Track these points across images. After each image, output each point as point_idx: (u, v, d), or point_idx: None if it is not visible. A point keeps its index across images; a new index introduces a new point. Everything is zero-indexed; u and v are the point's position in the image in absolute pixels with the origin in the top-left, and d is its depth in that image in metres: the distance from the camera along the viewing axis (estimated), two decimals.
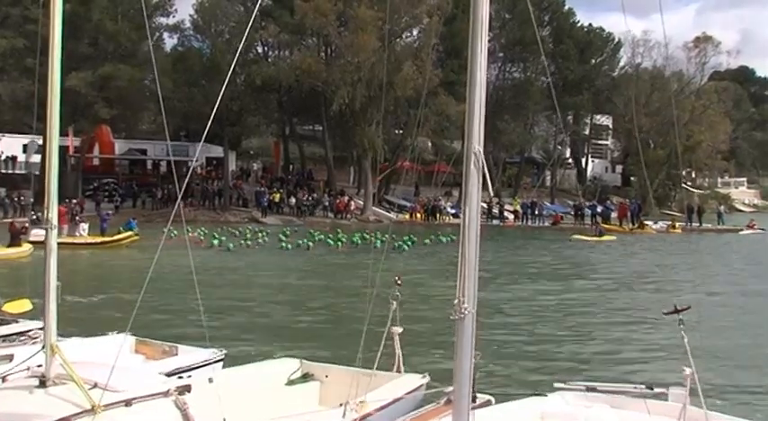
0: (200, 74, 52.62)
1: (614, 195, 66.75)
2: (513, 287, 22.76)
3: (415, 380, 8.11)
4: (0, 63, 46.66)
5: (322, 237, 35.04)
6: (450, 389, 6.81)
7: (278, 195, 52.64)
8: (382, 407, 7.16)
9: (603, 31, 71.78)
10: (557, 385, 7.54)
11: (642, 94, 64.86)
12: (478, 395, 6.62)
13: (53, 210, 6.63)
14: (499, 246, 34.48)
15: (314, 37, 56.50)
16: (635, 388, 7.48)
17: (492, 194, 45.62)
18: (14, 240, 27.86)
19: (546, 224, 53.33)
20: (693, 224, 52.03)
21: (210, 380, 7.34)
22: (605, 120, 78.65)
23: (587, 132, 76.66)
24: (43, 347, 6.42)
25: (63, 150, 41.94)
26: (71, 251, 26.19)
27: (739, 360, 13.42)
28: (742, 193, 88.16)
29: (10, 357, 8.37)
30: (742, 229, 50.02)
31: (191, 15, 57.07)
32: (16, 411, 5.90)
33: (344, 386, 7.23)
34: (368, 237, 34.22)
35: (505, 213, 54.98)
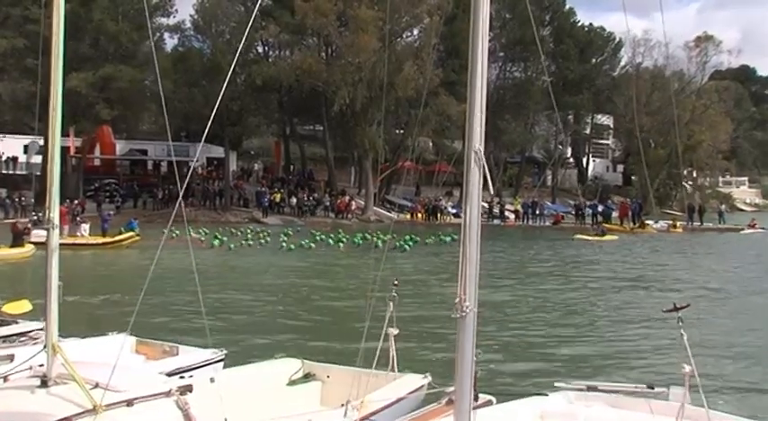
0: (200, 74, 52.61)
1: (615, 195, 66.77)
2: (515, 286, 22.77)
3: (417, 381, 8.11)
4: (1, 63, 46.67)
5: (323, 237, 35.05)
6: (451, 389, 6.82)
7: (279, 195, 52.67)
8: (384, 408, 7.17)
9: (604, 30, 71.91)
10: (557, 384, 7.54)
11: (643, 94, 64.80)
12: (480, 395, 6.62)
13: (54, 211, 6.64)
14: (500, 246, 34.47)
15: (314, 37, 56.49)
16: (636, 387, 7.48)
17: (493, 194, 45.63)
18: (17, 241, 27.89)
19: (547, 224, 53.35)
20: (694, 223, 52.06)
21: (212, 380, 7.35)
22: (606, 120, 78.63)
23: (588, 132, 76.64)
24: (45, 347, 6.43)
25: (64, 151, 41.83)
26: (72, 251, 26.22)
27: (740, 359, 13.42)
28: (743, 193, 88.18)
29: (11, 357, 8.38)
30: (743, 229, 50.04)
31: (191, 16, 57.14)
32: (18, 411, 5.90)
33: (346, 386, 7.23)
34: (369, 237, 34.23)
35: (506, 213, 55.00)
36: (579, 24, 70.31)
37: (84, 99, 45.28)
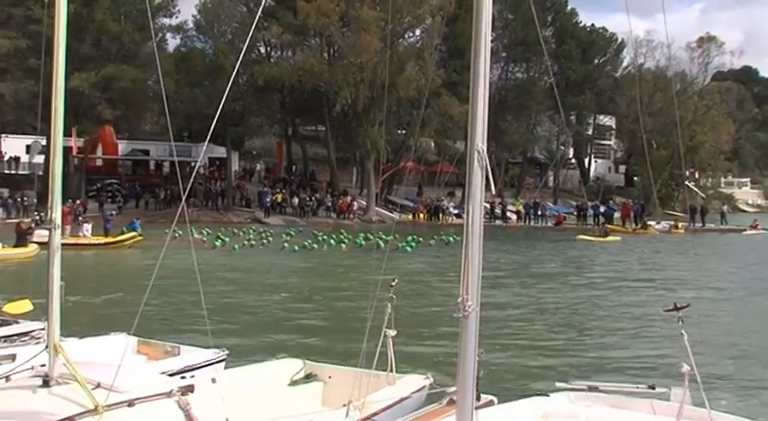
0: (202, 74, 52.69)
1: (617, 195, 66.70)
2: (517, 286, 22.78)
3: (419, 381, 8.11)
4: (3, 63, 46.67)
5: (325, 237, 35.05)
6: (453, 389, 6.82)
7: (280, 196, 52.70)
8: (385, 408, 7.17)
9: (606, 31, 71.84)
10: (559, 385, 7.54)
11: (645, 95, 64.73)
12: (482, 395, 6.62)
13: (56, 211, 6.64)
14: (502, 246, 34.45)
15: (317, 37, 56.50)
16: (637, 387, 7.48)
17: (495, 194, 45.61)
18: (21, 241, 27.97)
19: (548, 224, 53.30)
20: (696, 224, 52.02)
21: (213, 381, 7.35)
22: (608, 121, 78.59)
23: (590, 132, 76.62)
24: (46, 347, 6.43)
25: (66, 151, 41.82)
26: (75, 251, 26.26)
27: (742, 359, 13.42)
28: (745, 194, 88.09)
29: (13, 357, 8.39)
30: (745, 229, 49.99)
31: (193, 16, 57.22)
32: (19, 410, 5.91)
33: (347, 386, 7.23)
34: (371, 237, 34.21)
35: (508, 214, 54.96)
36: (581, 25, 70.32)
37: (87, 99, 45.30)
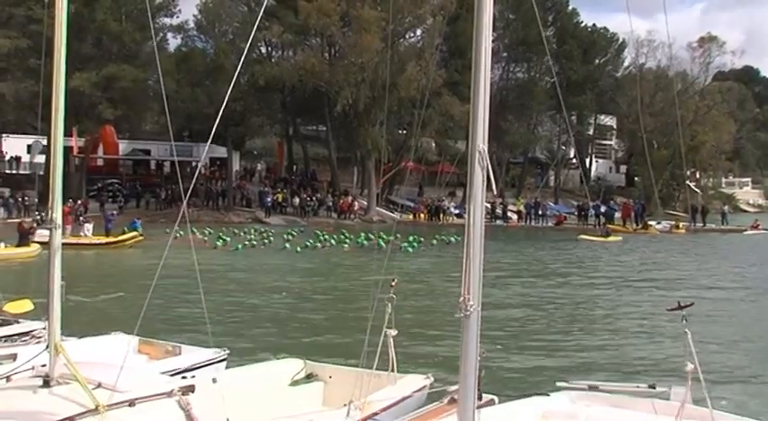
0: (203, 74, 52.70)
1: (618, 195, 66.69)
2: (518, 286, 22.78)
3: (419, 381, 8.11)
4: (4, 63, 46.70)
5: (326, 237, 35.03)
6: (453, 388, 6.82)
7: (281, 195, 52.70)
8: (386, 408, 7.17)
9: (607, 31, 71.81)
10: (559, 384, 7.54)
11: (646, 95, 64.75)
12: (483, 394, 6.62)
13: (57, 211, 6.64)
14: (504, 246, 34.45)
15: (317, 37, 56.52)
16: (637, 387, 7.48)
17: (496, 194, 45.57)
18: (23, 240, 27.98)
19: (549, 224, 53.27)
20: (697, 224, 51.99)
21: (214, 381, 7.35)
22: (609, 121, 78.58)
23: (591, 132, 76.59)
24: (47, 347, 6.43)
25: (67, 151, 41.91)
26: (76, 251, 26.28)
27: (744, 358, 13.42)
28: (746, 194, 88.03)
29: (13, 357, 8.39)
30: (746, 230, 49.96)
31: (194, 16, 57.26)
32: (20, 410, 5.91)
33: (348, 386, 7.23)
34: (373, 237, 34.17)
35: (509, 213, 54.96)
36: (582, 25, 70.27)
37: (88, 99, 45.32)
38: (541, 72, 64.25)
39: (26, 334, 9.91)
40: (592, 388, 7.37)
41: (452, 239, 33.18)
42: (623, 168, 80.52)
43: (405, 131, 59.40)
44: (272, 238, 35.21)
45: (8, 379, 6.86)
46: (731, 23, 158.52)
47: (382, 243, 31.69)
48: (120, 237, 32.64)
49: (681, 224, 50.67)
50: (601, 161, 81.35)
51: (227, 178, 54.57)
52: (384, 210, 53.28)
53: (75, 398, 5.92)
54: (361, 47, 49.06)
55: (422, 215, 53.09)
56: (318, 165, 65.43)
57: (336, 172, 59.48)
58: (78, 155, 50.40)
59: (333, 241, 34.17)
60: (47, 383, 6.17)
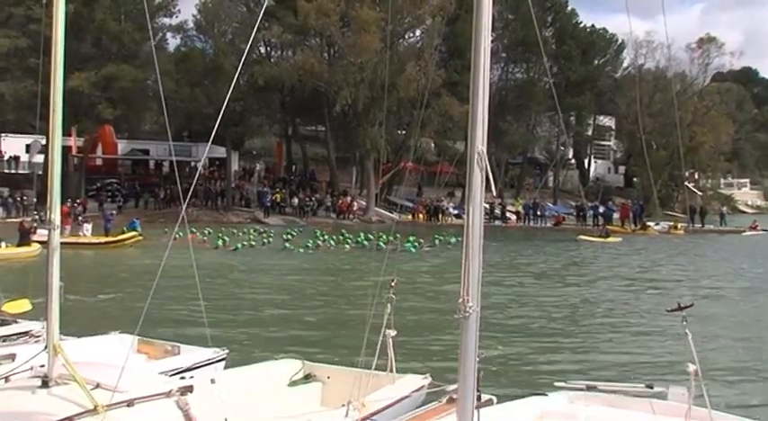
0: (202, 74, 52.69)
1: (617, 196, 66.73)
2: (518, 286, 22.80)
3: (417, 381, 8.11)
4: (3, 63, 46.70)
5: (327, 237, 35.02)
6: (452, 387, 6.83)
7: (279, 195, 52.69)
8: (384, 408, 7.17)
9: (606, 31, 71.83)
10: (558, 384, 7.55)
11: (645, 95, 64.79)
12: (481, 395, 6.62)
13: (56, 211, 6.64)
14: (503, 247, 34.45)
15: (317, 37, 56.50)
16: (635, 387, 7.49)
17: (495, 195, 45.57)
18: (24, 240, 27.95)
19: (548, 225, 53.32)
20: (696, 225, 52.01)
21: (213, 381, 7.35)
22: (608, 121, 78.63)
23: (590, 133, 76.64)
24: (46, 347, 6.43)
25: (66, 150, 41.93)
26: (75, 251, 26.27)
27: (742, 359, 13.43)
28: (745, 195, 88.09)
29: (12, 357, 8.38)
30: (744, 231, 50.01)
31: (194, 16, 57.16)
32: (19, 411, 5.91)
33: (346, 387, 7.23)
34: (372, 237, 34.13)
35: (507, 214, 54.98)
36: (581, 26, 70.29)
37: (87, 98, 45.32)
38: (540, 72, 64.21)
39: (24, 334, 9.90)
40: (590, 388, 7.37)
41: (452, 240, 33.18)
42: (622, 169, 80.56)
43: (404, 132, 59.42)
44: (271, 238, 35.20)
45: (7, 379, 6.86)
46: (730, 24, 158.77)
47: (382, 244, 31.67)
48: (119, 237, 32.63)
49: (679, 225, 50.70)
50: (600, 162, 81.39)
51: (226, 178, 54.56)
52: (383, 211, 53.27)
53: (74, 399, 5.92)
54: (360, 47, 49.06)
55: (421, 215, 53.09)
56: (317, 165, 65.42)
57: (335, 172, 59.47)
58: (77, 154, 50.43)
59: (332, 241, 34.15)
60: (45, 384, 6.18)
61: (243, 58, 22.66)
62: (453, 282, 4.40)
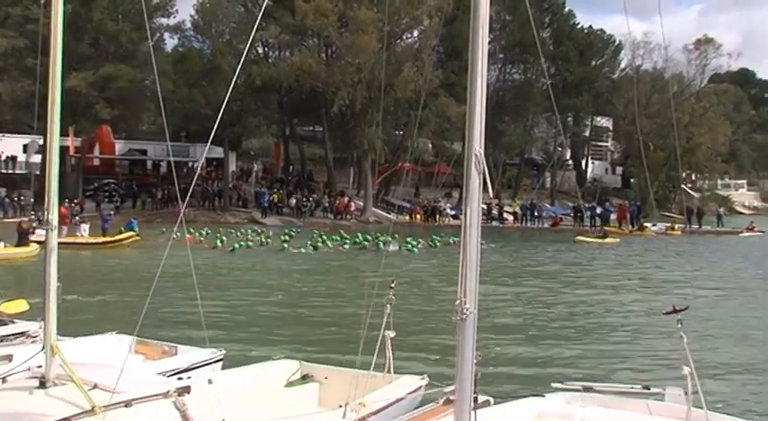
0: (200, 74, 52.70)
1: (614, 197, 66.80)
2: (515, 287, 22.79)
3: (414, 382, 8.12)
4: (1, 63, 46.67)
5: (325, 238, 35.03)
6: (449, 388, 6.84)
7: (276, 196, 52.68)
8: (381, 409, 7.17)
9: (604, 32, 71.93)
10: (554, 385, 7.55)
11: (642, 96, 64.86)
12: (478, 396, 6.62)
13: (53, 211, 6.64)
14: (501, 248, 34.45)
15: (314, 38, 56.50)
16: (632, 388, 7.50)
17: (491, 196, 45.62)
18: (22, 240, 27.92)
19: (545, 225, 53.35)
20: (693, 226, 52.06)
21: (210, 382, 7.35)
22: (605, 122, 78.73)
23: (587, 134, 76.73)
24: (43, 348, 6.43)
25: (63, 150, 41.91)
26: (72, 251, 26.22)
27: (737, 360, 13.44)
28: (742, 196, 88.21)
29: (9, 358, 8.38)
30: (741, 232, 50.07)
31: (191, 16, 57.17)
32: (16, 412, 5.91)
33: (344, 387, 7.25)
34: (370, 237, 34.13)
35: (505, 215, 55.00)
36: (579, 26, 70.36)
37: (84, 98, 45.31)
38: (538, 73, 64.29)
39: (21, 334, 9.90)
40: (587, 389, 7.39)
41: (452, 240, 33.19)
42: (619, 170, 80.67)
43: (401, 132, 59.47)
44: (269, 239, 35.15)
45: (4, 380, 6.86)
46: (728, 26, 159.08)
47: (381, 244, 31.67)
48: (117, 237, 32.61)
49: (676, 226, 50.77)
50: (597, 163, 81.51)
51: (223, 178, 54.53)
52: (380, 211, 53.31)
53: (72, 399, 5.92)
54: (357, 47, 49.06)
55: (418, 216, 53.09)
56: (315, 165, 65.42)
57: (333, 172, 59.47)
58: (74, 154, 50.37)
59: (329, 243, 34.10)
60: (43, 384, 6.17)
61: (242, 59, 22.67)
62: (452, 283, 4.40)
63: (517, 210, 55.94)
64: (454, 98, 47.90)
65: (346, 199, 53.52)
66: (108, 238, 32.80)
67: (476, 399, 4.72)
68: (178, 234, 14.36)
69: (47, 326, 6.52)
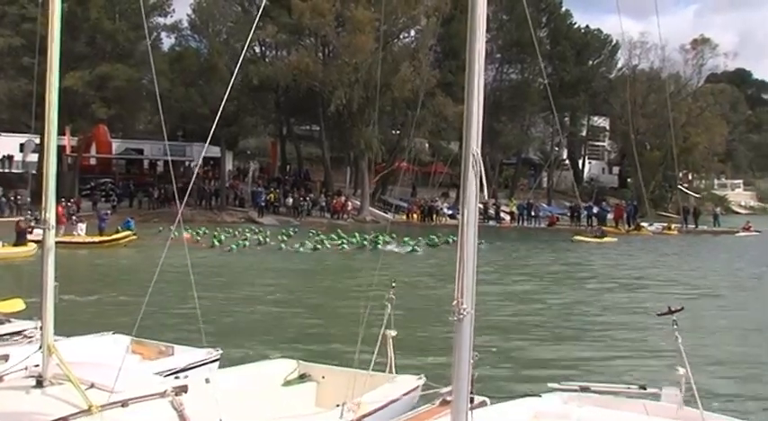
0: (197, 74, 52.69)
1: (611, 197, 66.88)
2: (513, 286, 22.80)
3: (412, 382, 8.11)
4: None
5: (324, 237, 35.03)
6: (446, 389, 6.83)
7: (273, 195, 52.67)
8: (379, 409, 7.17)
9: (601, 32, 72.08)
10: (550, 385, 7.55)
11: (639, 96, 64.97)
12: (474, 396, 6.63)
13: (50, 210, 6.63)
14: (498, 248, 34.46)
15: (311, 37, 56.52)
16: (628, 388, 7.50)
17: (486, 198, 45.61)
18: (20, 239, 27.87)
19: (542, 225, 53.40)
20: (689, 226, 52.13)
21: (207, 381, 7.34)
22: (602, 122, 78.84)
23: (584, 134, 76.81)
24: (40, 347, 6.43)
25: (60, 150, 41.76)
26: (69, 250, 26.20)
27: (733, 360, 13.46)
28: (738, 195, 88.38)
29: (5, 357, 8.36)
30: (738, 231, 50.14)
31: (188, 15, 57.20)
32: (13, 411, 5.91)
33: (341, 387, 7.24)
34: (368, 237, 34.11)
35: (502, 214, 55.04)
36: (576, 26, 70.46)
37: (81, 98, 45.26)
38: (535, 73, 64.38)
39: (17, 333, 9.87)
40: (583, 389, 7.38)
41: (451, 239, 33.22)
42: (616, 169, 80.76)
43: (398, 132, 59.50)
44: (268, 238, 35.10)
45: (0, 379, 6.85)
46: (724, 26, 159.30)
47: (380, 244, 31.65)
48: (114, 237, 32.57)
49: (673, 226, 50.82)
50: (594, 162, 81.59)
51: (219, 178, 54.51)
52: (377, 211, 53.32)
53: (69, 399, 5.92)
54: (354, 47, 49.08)
55: (415, 215, 53.11)
56: (312, 164, 65.43)
57: (330, 172, 59.49)
58: (71, 154, 50.32)
59: (329, 242, 34.06)
60: (40, 383, 6.17)
61: (240, 58, 22.70)
62: (451, 282, 4.40)
63: (514, 209, 55.98)
64: (451, 98, 47.93)
65: (343, 198, 53.53)
66: (105, 238, 32.77)
67: (472, 400, 4.73)
68: (176, 233, 14.32)
69: (44, 326, 6.51)
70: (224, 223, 44.70)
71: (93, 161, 56.32)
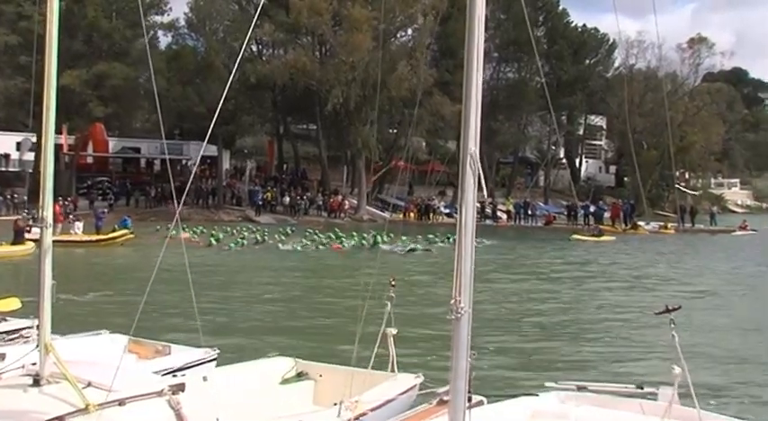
0: (194, 72, 52.59)
1: (608, 196, 66.90)
2: (512, 285, 22.82)
3: (409, 380, 8.11)
4: None
5: (322, 236, 34.96)
6: (443, 389, 6.84)
7: (270, 194, 52.64)
8: (376, 407, 7.17)
9: (598, 31, 72.03)
10: (548, 384, 7.56)
11: (636, 95, 65.01)
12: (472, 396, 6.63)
13: (47, 209, 6.62)
14: (495, 247, 34.47)
15: (309, 36, 56.45)
16: (625, 387, 7.52)
17: (485, 196, 45.60)
18: (18, 238, 27.84)
19: (538, 224, 53.43)
20: (686, 225, 52.15)
21: (205, 379, 7.34)
22: (599, 121, 78.84)
23: (581, 133, 76.83)
24: (37, 346, 6.42)
25: (57, 148, 41.72)
26: (66, 249, 26.17)
27: (730, 359, 13.48)
28: (735, 194, 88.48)
29: (2, 356, 8.36)
30: (734, 230, 50.22)
31: (185, 14, 56.95)
32: (10, 409, 5.90)
33: (339, 385, 7.24)
34: (366, 236, 34.09)
35: (498, 213, 55.05)
36: (573, 25, 70.41)
37: (78, 96, 45.13)
38: (532, 72, 64.30)
39: (14, 332, 9.86)
40: (580, 388, 7.40)
41: (450, 239, 33.22)
42: (613, 168, 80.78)
43: (395, 130, 59.46)
44: (266, 237, 35.08)
45: None
46: (721, 25, 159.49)
47: (379, 243, 31.63)
48: (111, 235, 32.55)
49: (669, 225, 50.86)
50: (591, 161, 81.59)
51: (217, 177, 54.45)
52: (374, 209, 53.29)
53: (65, 398, 5.91)
54: (352, 46, 49.05)
55: (412, 214, 53.08)
56: (309, 163, 65.37)
57: (327, 171, 59.45)
58: (68, 152, 50.23)
59: (324, 243, 34.04)
60: (37, 382, 6.16)
61: (239, 57, 22.70)
62: (449, 280, 4.40)
63: (511, 208, 55.98)
64: (448, 97, 47.90)
65: (340, 197, 53.52)
66: (102, 236, 32.75)
67: (470, 399, 4.73)
68: (174, 232, 14.30)
69: (41, 325, 6.50)
70: (221, 222, 44.67)
71: (90, 160, 56.24)
